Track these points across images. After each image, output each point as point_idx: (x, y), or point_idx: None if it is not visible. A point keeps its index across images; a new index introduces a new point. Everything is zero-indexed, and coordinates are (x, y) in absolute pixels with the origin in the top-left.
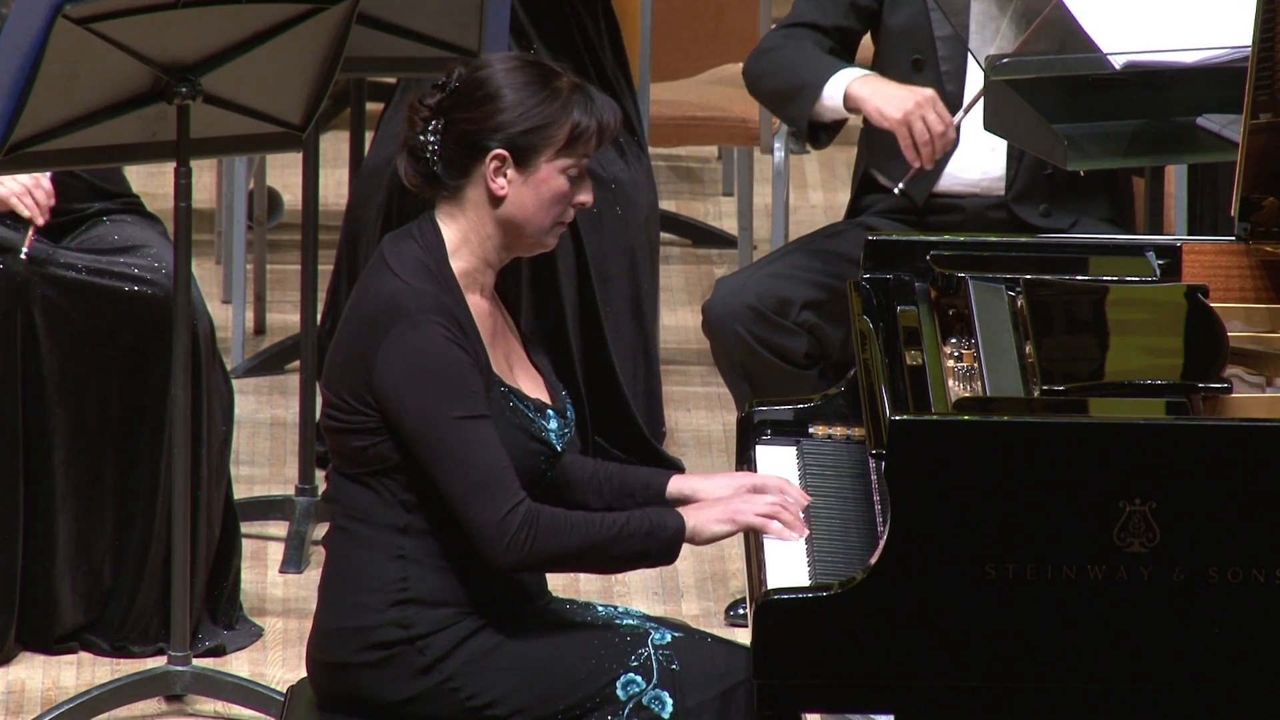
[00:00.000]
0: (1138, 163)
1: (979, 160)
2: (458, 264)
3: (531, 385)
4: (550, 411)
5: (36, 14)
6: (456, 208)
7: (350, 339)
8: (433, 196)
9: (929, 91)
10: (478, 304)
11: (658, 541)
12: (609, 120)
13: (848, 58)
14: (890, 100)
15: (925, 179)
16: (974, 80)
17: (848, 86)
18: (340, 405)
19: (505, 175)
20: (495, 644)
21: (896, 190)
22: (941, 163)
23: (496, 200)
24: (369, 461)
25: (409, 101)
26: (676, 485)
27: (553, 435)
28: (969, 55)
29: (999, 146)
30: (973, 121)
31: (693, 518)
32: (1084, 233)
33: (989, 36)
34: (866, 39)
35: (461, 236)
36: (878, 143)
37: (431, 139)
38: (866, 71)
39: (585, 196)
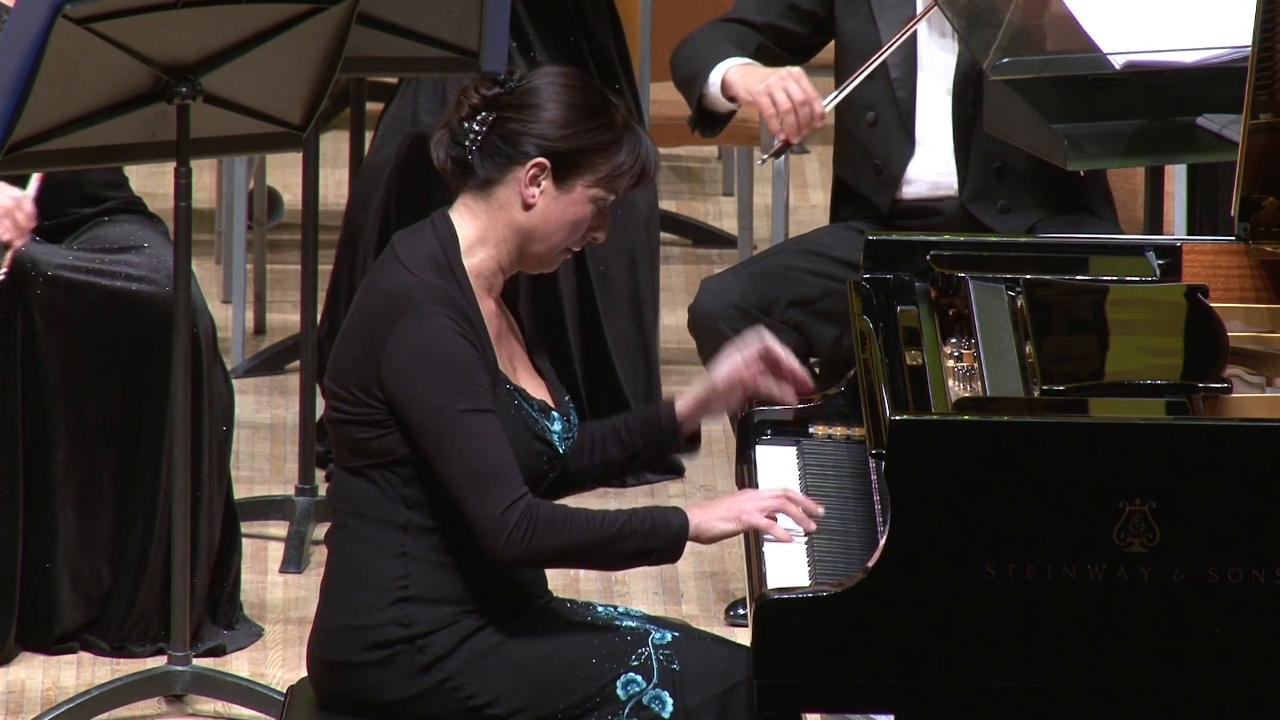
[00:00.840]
0: (1138, 163)
1: (936, 165)
2: (470, 262)
3: (535, 388)
4: (555, 414)
5: (36, 14)
6: (480, 204)
7: (358, 330)
8: (458, 186)
9: (795, 68)
10: (486, 305)
11: (660, 539)
12: (652, 166)
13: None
14: (754, 76)
15: (885, 187)
16: (925, 86)
17: (725, 73)
18: (345, 397)
19: (540, 185)
20: (496, 643)
21: (760, 162)
22: (899, 169)
23: (525, 206)
24: (372, 454)
25: (464, 86)
26: (685, 405)
27: (556, 437)
28: (917, 56)
29: (951, 149)
30: (928, 126)
31: (696, 515)
32: (1050, 226)
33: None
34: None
35: (478, 235)
36: (842, 143)
37: (475, 128)
38: (749, 61)
39: (601, 234)
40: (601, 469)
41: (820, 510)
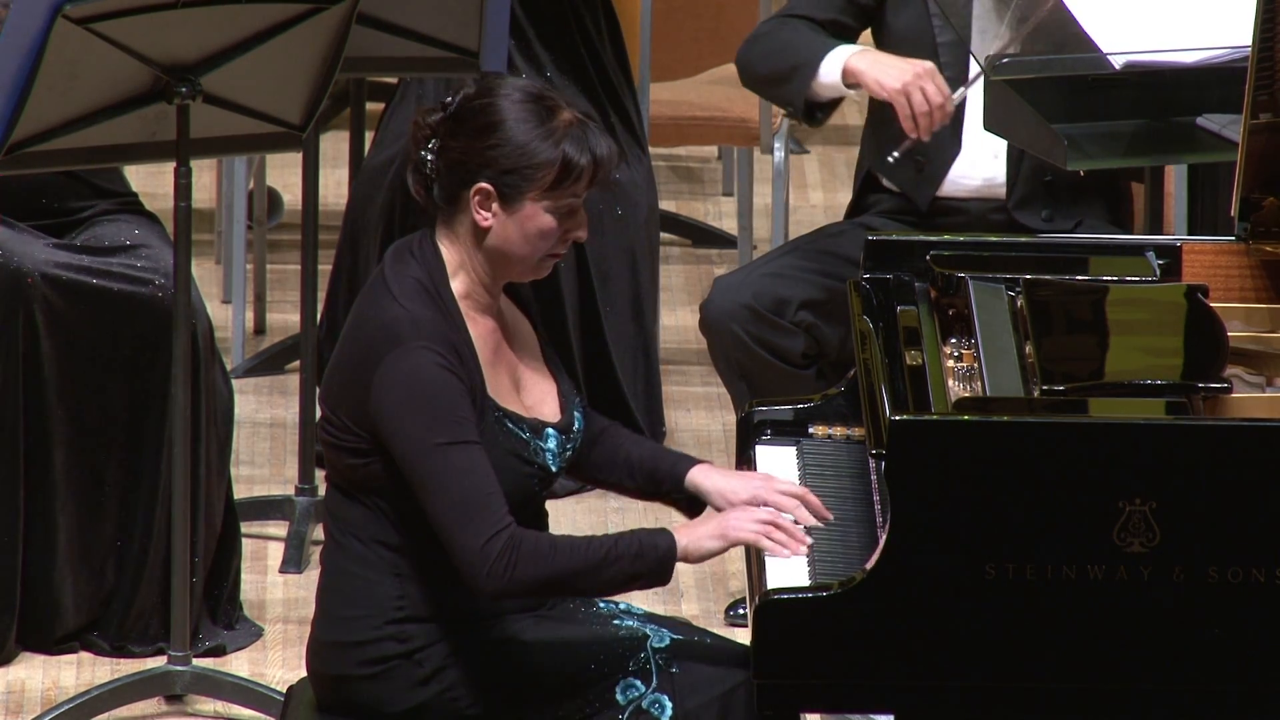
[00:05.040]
0: (1138, 163)
1: (981, 166)
2: (457, 286)
3: (539, 399)
4: (549, 430)
5: (36, 14)
6: (451, 231)
7: (348, 361)
8: (433, 214)
9: (928, 64)
10: (480, 324)
11: (648, 563)
12: (603, 156)
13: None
14: (889, 71)
15: (927, 183)
16: (976, 87)
17: (846, 61)
18: (336, 423)
19: (490, 209)
20: (493, 652)
21: (891, 159)
22: (943, 167)
23: (481, 231)
24: (358, 481)
25: (414, 117)
26: (694, 479)
27: (549, 455)
28: (971, 59)
29: (1000, 152)
30: (975, 126)
31: (684, 537)
32: (1084, 234)
33: (989, 38)
34: (866, 35)
35: (458, 260)
36: (881, 138)
37: (430, 158)
38: (863, 47)
39: (580, 232)
40: (618, 489)
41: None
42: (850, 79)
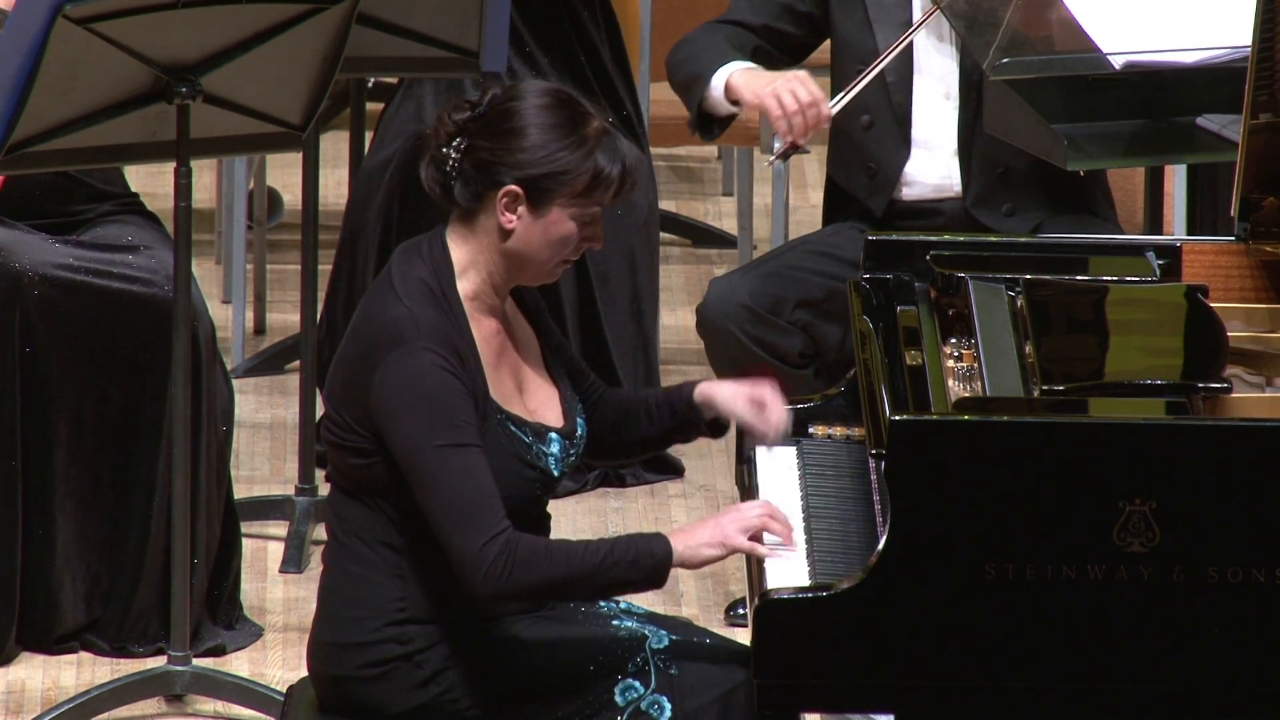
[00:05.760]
0: (1138, 163)
1: (933, 167)
2: (464, 286)
3: (542, 403)
4: (552, 435)
5: (36, 14)
6: (467, 229)
7: (351, 360)
8: (447, 211)
9: (802, 71)
10: (484, 326)
11: (643, 570)
12: (633, 174)
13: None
14: (760, 80)
15: (880, 190)
16: (922, 90)
17: (728, 77)
18: (339, 422)
19: (516, 211)
20: (492, 654)
21: (766, 164)
22: (894, 172)
23: (504, 233)
24: (362, 482)
25: (439, 112)
26: (701, 392)
27: (551, 460)
28: (914, 63)
29: (955, 152)
30: (927, 129)
31: (680, 543)
32: (1053, 226)
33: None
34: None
35: (469, 259)
36: (837, 146)
37: (453, 155)
38: (752, 65)
39: (596, 242)
40: (641, 445)
41: (793, 528)
42: (730, 94)
